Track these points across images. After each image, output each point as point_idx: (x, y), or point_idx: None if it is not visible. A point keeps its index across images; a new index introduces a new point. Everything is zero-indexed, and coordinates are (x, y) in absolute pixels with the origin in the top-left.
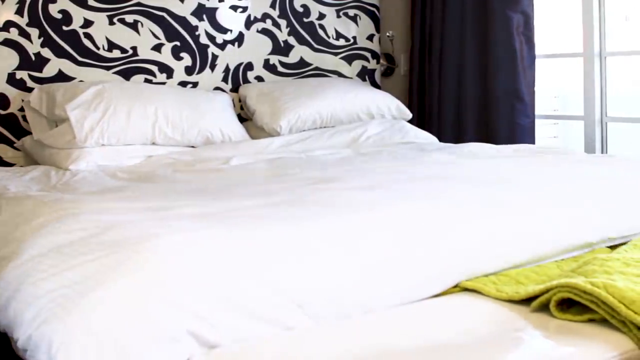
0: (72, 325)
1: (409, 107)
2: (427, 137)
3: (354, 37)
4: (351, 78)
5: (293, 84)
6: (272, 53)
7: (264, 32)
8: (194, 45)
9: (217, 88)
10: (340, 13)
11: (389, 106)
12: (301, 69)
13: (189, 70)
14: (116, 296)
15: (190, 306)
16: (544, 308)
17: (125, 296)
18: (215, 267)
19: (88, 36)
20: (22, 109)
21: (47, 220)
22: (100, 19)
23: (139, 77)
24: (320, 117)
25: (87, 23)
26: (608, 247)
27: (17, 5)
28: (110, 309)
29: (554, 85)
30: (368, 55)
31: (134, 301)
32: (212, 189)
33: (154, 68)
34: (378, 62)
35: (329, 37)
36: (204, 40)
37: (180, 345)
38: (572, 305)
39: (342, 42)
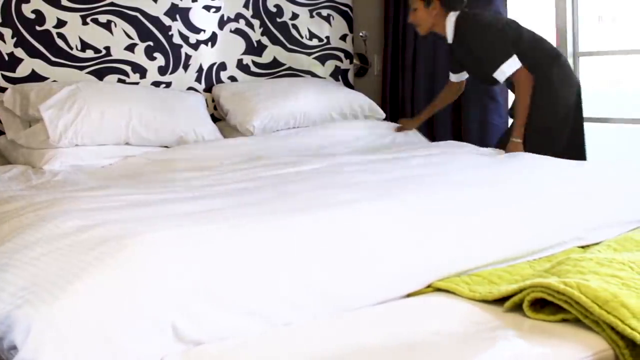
0: (56, 311)
1: (382, 106)
2: (400, 137)
3: (327, 37)
4: (324, 78)
5: (266, 84)
6: (245, 53)
7: (237, 32)
8: (167, 45)
9: (190, 88)
10: (314, 13)
11: (362, 106)
12: (274, 69)
13: (162, 70)
14: (102, 287)
15: (174, 300)
16: (518, 308)
17: (110, 287)
18: (197, 262)
19: (61, 36)
20: None
21: (32, 219)
22: (73, 19)
23: (112, 77)
24: (293, 117)
25: (61, 23)
26: (580, 247)
27: None
28: (95, 298)
29: None
30: (341, 55)
31: (119, 293)
32: (190, 187)
33: (127, 68)
34: (351, 62)
35: (302, 37)
36: (177, 40)
37: (161, 338)
38: (545, 305)
39: (315, 42)
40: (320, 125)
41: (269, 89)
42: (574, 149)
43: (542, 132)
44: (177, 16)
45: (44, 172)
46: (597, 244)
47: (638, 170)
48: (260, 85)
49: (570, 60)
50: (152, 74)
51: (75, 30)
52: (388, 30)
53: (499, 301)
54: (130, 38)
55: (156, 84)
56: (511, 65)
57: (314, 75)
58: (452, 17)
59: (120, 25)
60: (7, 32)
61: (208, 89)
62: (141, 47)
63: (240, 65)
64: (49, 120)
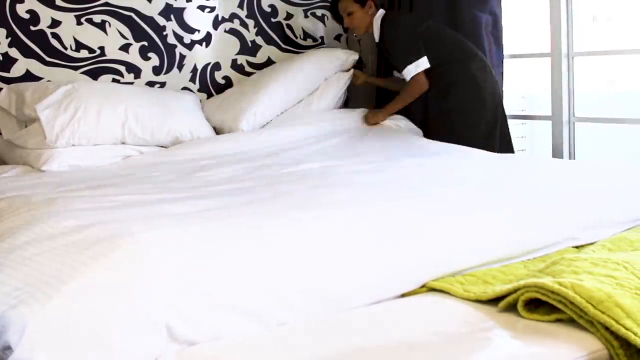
0: (51, 311)
1: (378, 106)
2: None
3: (322, 37)
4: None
5: (247, 83)
6: (239, 53)
7: (232, 32)
8: (161, 45)
9: (184, 88)
10: (308, 13)
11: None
12: None
13: (156, 70)
14: (96, 286)
15: (168, 300)
16: (512, 308)
17: (104, 287)
18: (191, 262)
19: (56, 36)
20: None
21: (26, 218)
22: (67, 19)
23: (107, 77)
24: (278, 107)
25: (55, 23)
26: (575, 247)
27: None
28: (89, 298)
29: (521, 86)
30: None
31: (113, 293)
32: (188, 187)
33: (122, 68)
34: None
35: (296, 37)
36: (171, 40)
37: (155, 338)
38: (539, 305)
39: (309, 42)
40: (315, 116)
41: (248, 88)
42: (503, 143)
43: (472, 124)
44: (172, 16)
45: (42, 172)
46: (591, 244)
47: (632, 170)
48: (241, 86)
49: (564, 61)
50: (147, 74)
51: (70, 30)
52: None
53: (493, 301)
54: (125, 38)
55: (150, 84)
56: (418, 66)
57: None
58: (378, 17)
59: (114, 25)
60: (2, 32)
61: (202, 89)
62: (135, 47)
63: (235, 65)
64: (46, 121)
